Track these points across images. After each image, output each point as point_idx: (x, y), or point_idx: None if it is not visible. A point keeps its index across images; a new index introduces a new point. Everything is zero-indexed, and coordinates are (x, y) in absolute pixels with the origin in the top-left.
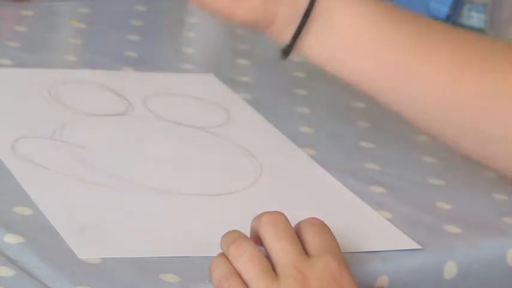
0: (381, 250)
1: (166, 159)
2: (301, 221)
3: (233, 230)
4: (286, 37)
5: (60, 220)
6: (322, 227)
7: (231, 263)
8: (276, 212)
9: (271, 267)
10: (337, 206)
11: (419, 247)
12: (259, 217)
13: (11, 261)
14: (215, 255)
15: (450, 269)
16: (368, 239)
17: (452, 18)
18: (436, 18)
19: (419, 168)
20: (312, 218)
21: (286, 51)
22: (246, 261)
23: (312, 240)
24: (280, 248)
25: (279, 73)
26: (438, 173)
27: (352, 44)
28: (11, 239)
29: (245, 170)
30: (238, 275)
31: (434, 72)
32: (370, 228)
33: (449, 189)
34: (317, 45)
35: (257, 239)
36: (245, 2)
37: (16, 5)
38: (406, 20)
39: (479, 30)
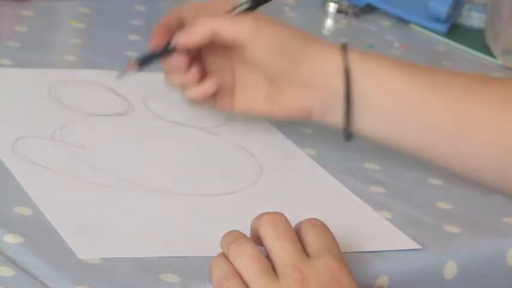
0: (381, 250)
1: (166, 159)
2: (301, 222)
3: (233, 230)
4: (335, 122)
5: (60, 220)
6: (322, 228)
7: (231, 263)
8: (276, 212)
9: (271, 267)
10: (337, 206)
11: (419, 247)
12: (259, 217)
13: (11, 261)
14: (215, 255)
15: (450, 269)
16: (368, 239)
17: (452, 18)
18: (435, 18)
19: (419, 168)
20: (312, 218)
21: (347, 136)
22: (246, 261)
23: (312, 240)
24: (280, 247)
25: None
26: (438, 173)
27: (400, 114)
28: (11, 239)
29: (245, 170)
30: (239, 275)
31: (485, 120)
32: (370, 228)
33: (449, 189)
34: (368, 128)
35: (257, 239)
36: (279, 102)
37: (16, 5)
38: (438, 76)
39: (479, 30)
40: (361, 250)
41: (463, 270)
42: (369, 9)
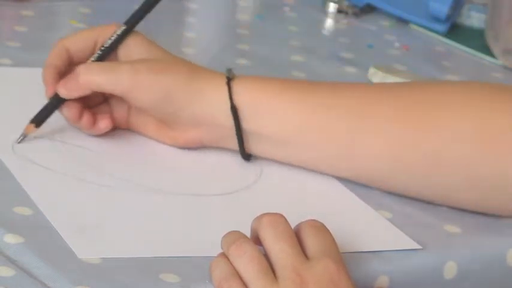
0: (381, 250)
1: (166, 159)
2: (301, 223)
3: (233, 231)
4: (230, 147)
5: (60, 220)
6: (322, 229)
7: (231, 264)
8: (276, 213)
9: (270, 268)
10: (337, 206)
11: (419, 247)
12: (259, 218)
13: (11, 261)
14: (215, 255)
15: (450, 269)
16: (368, 239)
17: (452, 18)
18: (435, 18)
19: None
20: (312, 219)
21: (245, 158)
22: (246, 262)
23: (311, 242)
24: (279, 249)
25: (279, 73)
26: None
27: (292, 140)
28: (11, 239)
29: (245, 170)
30: (238, 276)
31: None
32: (370, 228)
33: None
34: (265, 154)
35: (257, 240)
36: (168, 135)
37: (16, 5)
38: (329, 92)
39: (479, 30)
40: (361, 250)
41: (463, 270)
42: (369, 9)
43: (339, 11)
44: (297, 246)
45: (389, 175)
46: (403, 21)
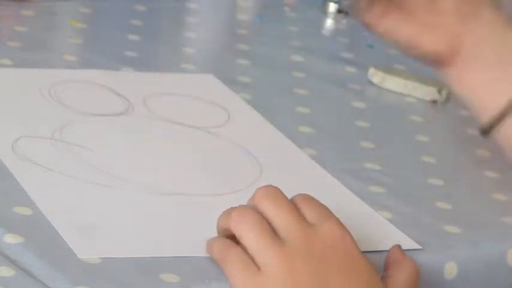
0: (381, 250)
1: (166, 159)
2: (293, 197)
3: (229, 210)
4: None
5: (60, 220)
6: (315, 200)
7: (228, 238)
8: (270, 185)
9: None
10: (337, 206)
11: (419, 247)
12: (256, 192)
13: (11, 261)
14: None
15: (450, 269)
16: (368, 239)
17: None
18: None
19: (419, 168)
20: (302, 193)
21: (488, 129)
22: (249, 226)
23: (309, 212)
24: (283, 217)
25: (279, 73)
26: (438, 173)
27: None
28: (11, 239)
29: (245, 170)
30: (237, 244)
31: None
32: (370, 228)
33: (449, 189)
34: None
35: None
36: (434, 26)
37: (16, 5)
38: None
39: None
40: (361, 250)
41: (463, 270)
42: None
43: (339, 11)
44: (299, 213)
45: None
46: None
